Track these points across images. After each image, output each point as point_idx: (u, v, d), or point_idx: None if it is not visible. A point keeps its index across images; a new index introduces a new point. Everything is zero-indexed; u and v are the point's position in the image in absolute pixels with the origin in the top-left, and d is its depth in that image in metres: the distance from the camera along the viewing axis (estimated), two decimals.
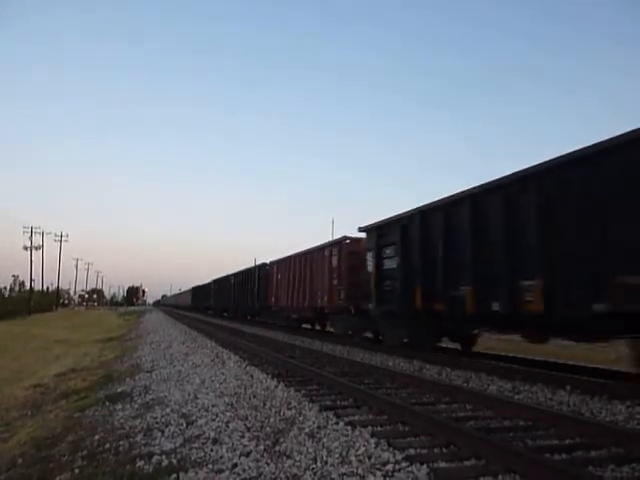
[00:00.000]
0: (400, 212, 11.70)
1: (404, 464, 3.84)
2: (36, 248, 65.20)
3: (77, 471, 4.29)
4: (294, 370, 8.80)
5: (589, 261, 6.90)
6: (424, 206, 10.78)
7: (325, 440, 4.51)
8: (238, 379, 7.97)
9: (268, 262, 24.49)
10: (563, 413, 5.40)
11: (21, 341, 23.02)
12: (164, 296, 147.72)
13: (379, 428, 4.91)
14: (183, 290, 77.78)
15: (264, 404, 6.07)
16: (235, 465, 3.98)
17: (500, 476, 3.60)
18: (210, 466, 3.99)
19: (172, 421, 5.50)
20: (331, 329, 17.75)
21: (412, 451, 4.16)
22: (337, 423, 5.06)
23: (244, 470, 3.87)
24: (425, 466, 3.77)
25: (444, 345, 12.40)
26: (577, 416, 5.31)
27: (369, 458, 3.99)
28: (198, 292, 53.41)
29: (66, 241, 76.38)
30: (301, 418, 5.32)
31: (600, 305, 6.56)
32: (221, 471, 3.87)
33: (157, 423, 5.49)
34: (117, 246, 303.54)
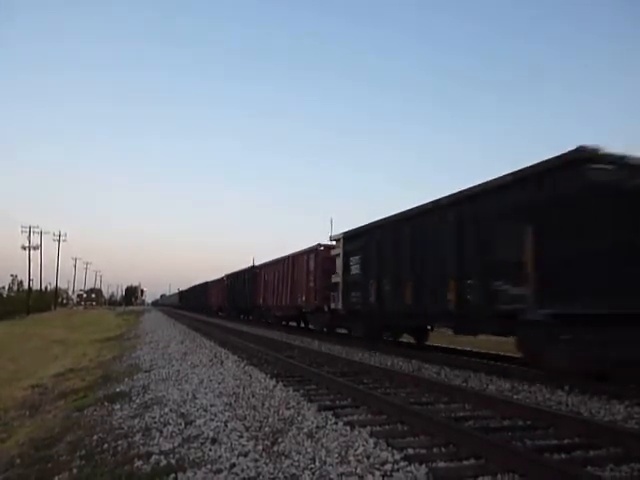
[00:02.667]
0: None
1: (403, 464, 3.84)
2: (34, 247, 65.15)
3: (75, 471, 4.27)
4: (293, 370, 8.79)
5: None
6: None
7: (324, 440, 4.51)
8: (237, 379, 7.96)
9: (208, 281, 44.45)
10: (562, 413, 5.41)
11: (19, 341, 22.99)
12: (163, 296, 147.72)
13: (378, 428, 4.90)
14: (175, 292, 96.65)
15: (263, 404, 6.06)
16: (233, 465, 3.97)
17: (499, 476, 3.60)
18: (209, 466, 3.98)
19: (171, 421, 5.49)
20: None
21: (411, 451, 4.16)
22: (336, 423, 5.06)
23: (242, 470, 3.86)
24: (424, 466, 3.77)
25: None
26: (576, 416, 5.31)
27: (368, 458, 3.99)
28: (183, 294, 71.79)
29: (65, 241, 76.34)
30: (300, 418, 5.32)
31: None
32: (219, 471, 3.86)
33: (155, 423, 5.48)
34: (116, 246, 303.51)
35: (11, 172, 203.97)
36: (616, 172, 7.03)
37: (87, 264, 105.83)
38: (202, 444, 4.57)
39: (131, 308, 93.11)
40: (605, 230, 6.81)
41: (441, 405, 6.07)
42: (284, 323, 22.91)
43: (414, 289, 10.73)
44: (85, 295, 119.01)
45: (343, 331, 16.49)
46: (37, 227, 66.69)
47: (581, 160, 7.01)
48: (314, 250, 17.80)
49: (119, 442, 4.90)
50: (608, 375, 6.91)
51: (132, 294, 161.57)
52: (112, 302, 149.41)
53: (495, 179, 8.62)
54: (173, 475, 3.83)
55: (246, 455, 4.19)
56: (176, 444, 4.64)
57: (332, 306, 15.12)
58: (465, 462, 3.93)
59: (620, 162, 7.10)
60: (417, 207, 10.99)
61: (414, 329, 13.44)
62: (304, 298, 18.41)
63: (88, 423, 5.96)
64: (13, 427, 6.90)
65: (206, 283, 45.79)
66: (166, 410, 6.03)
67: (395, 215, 11.91)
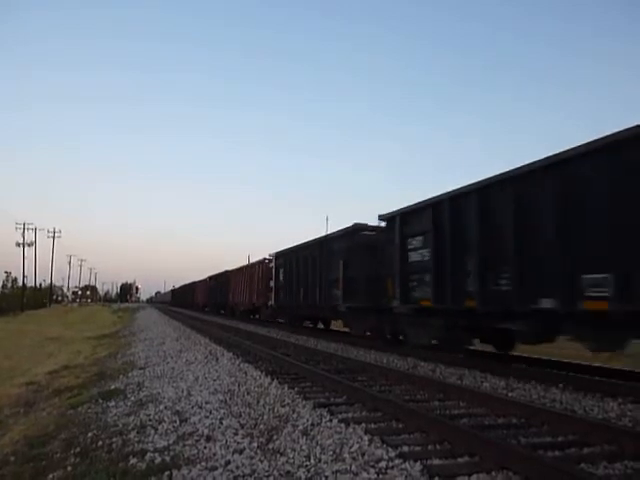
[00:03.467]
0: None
1: (397, 461, 3.85)
2: (29, 244, 64.66)
3: (70, 469, 4.26)
4: (288, 367, 8.79)
5: None
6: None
7: (319, 437, 4.51)
8: (232, 376, 7.96)
9: (196, 281, 51.32)
10: (556, 410, 5.43)
11: (13, 338, 22.89)
12: (158, 293, 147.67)
13: (373, 425, 4.91)
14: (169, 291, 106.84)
15: (258, 401, 6.06)
16: (228, 462, 3.97)
17: (493, 473, 3.61)
18: (203, 463, 3.99)
19: (165, 418, 5.49)
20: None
21: (406, 448, 4.16)
22: (331, 420, 5.06)
23: (237, 467, 3.86)
24: (419, 463, 3.78)
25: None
26: (570, 413, 5.34)
27: (362, 455, 3.99)
28: (174, 293, 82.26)
29: (59, 237, 76.18)
30: (295, 415, 5.32)
31: None
32: (214, 468, 3.86)
33: (150, 420, 5.47)
34: (111, 243, 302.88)
35: (6, 169, 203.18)
36: (374, 235, 13.42)
37: (82, 261, 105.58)
38: (197, 441, 4.57)
39: (126, 305, 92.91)
40: (365, 265, 13.11)
41: (436, 402, 6.09)
42: (251, 316, 29.09)
43: (304, 292, 17.38)
44: (80, 292, 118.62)
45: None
46: (31, 224, 66.26)
47: (356, 229, 13.97)
48: (262, 262, 25.00)
49: (114, 439, 4.89)
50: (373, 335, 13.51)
51: (127, 291, 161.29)
52: (107, 299, 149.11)
53: (334, 232, 15.46)
54: (168, 472, 3.83)
55: (241, 452, 4.20)
56: (171, 441, 4.64)
57: (270, 303, 22.15)
58: (459, 459, 3.94)
59: (377, 229, 13.23)
60: (305, 242, 18.01)
61: (320, 318, 19.34)
62: (255, 297, 25.61)
63: (83, 420, 5.95)
64: (7, 425, 6.86)
65: (194, 283, 53.29)
66: (161, 407, 6.03)
67: (297, 245, 18.92)
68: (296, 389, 6.78)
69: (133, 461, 4.19)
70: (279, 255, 21.00)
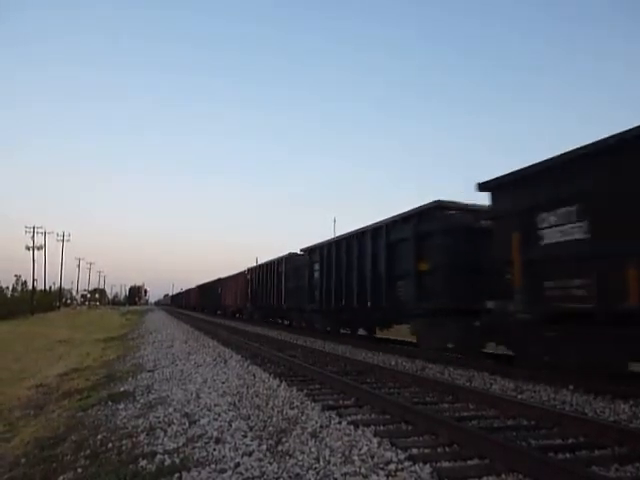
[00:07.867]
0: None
1: (407, 463, 3.83)
2: (38, 248, 65.20)
3: (80, 471, 4.29)
4: (296, 369, 8.80)
5: None
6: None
7: (328, 439, 4.50)
8: (240, 378, 7.97)
9: (182, 290, 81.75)
10: (566, 412, 5.39)
11: (23, 341, 23.05)
12: (165, 296, 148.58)
13: (382, 427, 4.90)
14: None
15: (266, 403, 6.07)
16: (238, 464, 3.97)
17: (503, 475, 3.59)
18: (213, 465, 3.99)
19: (175, 420, 5.50)
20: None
21: (415, 450, 4.15)
22: (340, 422, 5.05)
23: (247, 469, 3.86)
24: (428, 465, 3.76)
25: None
26: (580, 415, 5.30)
27: (372, 457, 3.98)
28: (174, 297, 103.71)
29: (68, 241, 76.49)
30: (303, 417, 5.32)
31: None
32: (224, 470, 3.86)
33: (160, 422, 5.49)
34: (119, 246, 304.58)
35: (14, 173, 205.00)
36: (302, 259, 19.41)
37: (90, 264, 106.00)
38: (206, 444, 4.57)
39: (134, 308, 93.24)
40: (295, 280, 20.65)
41: (445, 405, 6.07)
42: (234, 316, 36.75)
43: (269, 297, 24.95)
44: (89, 295, 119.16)
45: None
46: (41, 227, 66.83)
47: (291, 256, 21.79)
48: (242, 274, 32.41)
49: (123, 442, 4.91)
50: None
51: (135, 294, 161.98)
52: (116, 302, 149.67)
53: (279, 256, 23.60)
54: (177, 474, 3.84)
55: (250, 455, 4.20)
56: (180, 444, 4.65)
57: (248, 305, 30.59)
58: (469, 462, 3.92)
59: (308, 250, 18.74)
60: (265, 261, 27.06)
61: (278, 316, 26.12)
62: (238, 300, 33.66)
63: (92, 423, 5.98)
64: (18, 427, 6.92)
65: (181, 292, 76.22)
66: (170, 410, 6.04)
67: (260, 263, 28.78)
68: (304, 391, 6.78)
69: (143, 463, 4.20)
70: (251, 269, 30.28)
